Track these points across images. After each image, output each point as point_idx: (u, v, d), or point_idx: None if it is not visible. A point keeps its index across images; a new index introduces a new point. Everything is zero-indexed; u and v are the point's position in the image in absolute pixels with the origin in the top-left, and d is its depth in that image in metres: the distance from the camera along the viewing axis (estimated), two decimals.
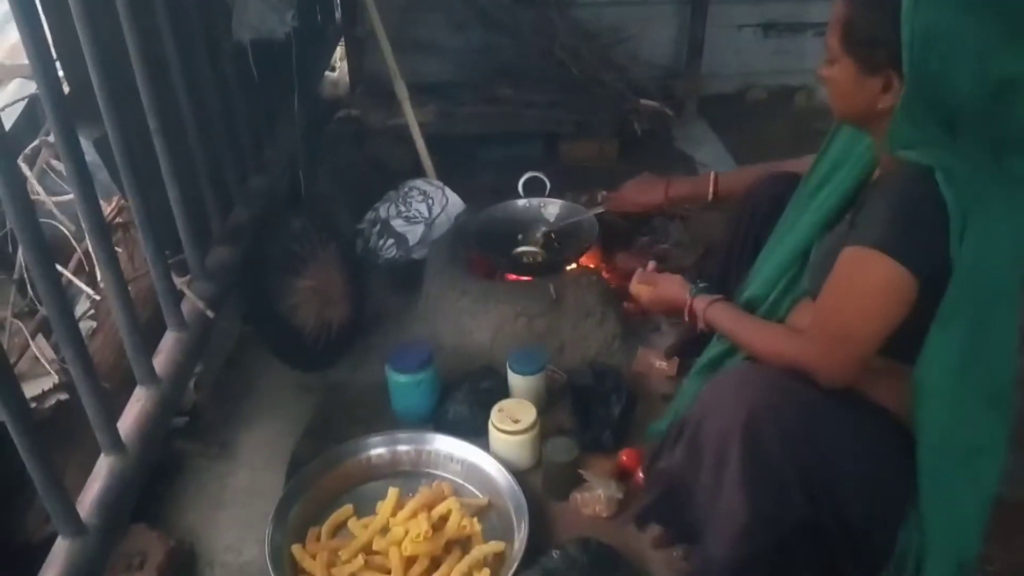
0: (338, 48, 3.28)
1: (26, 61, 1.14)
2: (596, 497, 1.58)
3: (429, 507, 1.52)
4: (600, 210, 2.13)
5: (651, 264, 1.71)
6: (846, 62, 1.21)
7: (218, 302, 1.59)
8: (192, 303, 1.52)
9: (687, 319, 1.51)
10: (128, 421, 1.29)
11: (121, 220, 1.63)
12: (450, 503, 1.52)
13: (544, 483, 1.66)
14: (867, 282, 1.16)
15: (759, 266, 1.48)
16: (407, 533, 1.45)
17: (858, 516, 1.19)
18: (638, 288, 1.65)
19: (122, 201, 1.57)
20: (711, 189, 1.82)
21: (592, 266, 2.21)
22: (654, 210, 2.00)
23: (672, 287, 1.56)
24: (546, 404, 1.83)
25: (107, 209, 1.61)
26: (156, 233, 1.38)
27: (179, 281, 1.53)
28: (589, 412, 1.76)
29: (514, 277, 2.12)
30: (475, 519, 1.52)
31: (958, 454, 1.19)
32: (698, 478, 1.23)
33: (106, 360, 1.51)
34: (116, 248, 1.46)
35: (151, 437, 1.29)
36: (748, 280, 1.50)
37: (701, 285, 1.51)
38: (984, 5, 1.10)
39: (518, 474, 1.63)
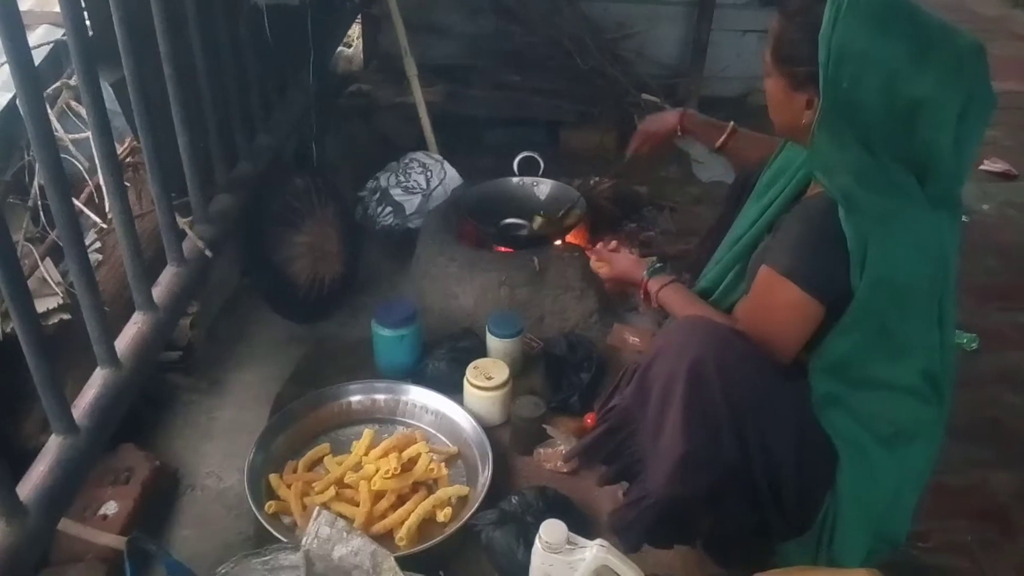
0: (356, 26, 3.39)
1: (53, 8, 1.24)
2: (558, 452, 1.67)
3: (400, 449, 1.62)
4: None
5: (612, 242, 1.76)
6: (776, 77, 1.31)
7: (217, 244, 1.69)
8: (192, 242, 1.62)
9: (641, 297, 1.60)
10: (125, 340, 1.39)
11: (132, 160, 1.73)
12: (419, 447, 1.62)
13: (511, 437, 1.75)
14: (778, 304, 1.28)
15: (716, 254, 1.57)
16: (378, 471, 1.55)
17: (787, 475, 1.26)
18: (596, 265, 1.74)
19: (134, 143, 1.68)
20: (723, 138, 1.81)
21: (579, 245, 2.30)
22: (669, 137, 1.93)
23: (627, 265, 1.64)
24: (521, 368, 1.93)
25: (120, 149, 1.71)
26: (163, 173, 1.48)
27: (182, 221, 1.64)
28: (561, 378, 1.86)
29: (503, 249, 2.22)
30: (443, 464, 1.62)
31: (880, 436, 1.29)
32: (644, 415, 1.30)
33: (109, 290, 1.61)
34: (125, 184, 1.58)
35: (144, 357, 1.39)
36: (705, 270, 1.59)
37: (656, 266, 1.59)
38: (895, 28, 1.18)
39: (488, 428, 1.72)
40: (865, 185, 1.20)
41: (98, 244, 1.70)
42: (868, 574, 1.27)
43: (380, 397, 1.78)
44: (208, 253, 1.62)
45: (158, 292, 1.50)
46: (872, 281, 1.20)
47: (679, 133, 1.92)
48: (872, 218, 1.19)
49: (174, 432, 1.73)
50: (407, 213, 2.39)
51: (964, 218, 2.67)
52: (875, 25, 1.17)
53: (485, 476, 1.58)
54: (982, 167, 3.15)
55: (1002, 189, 3.06)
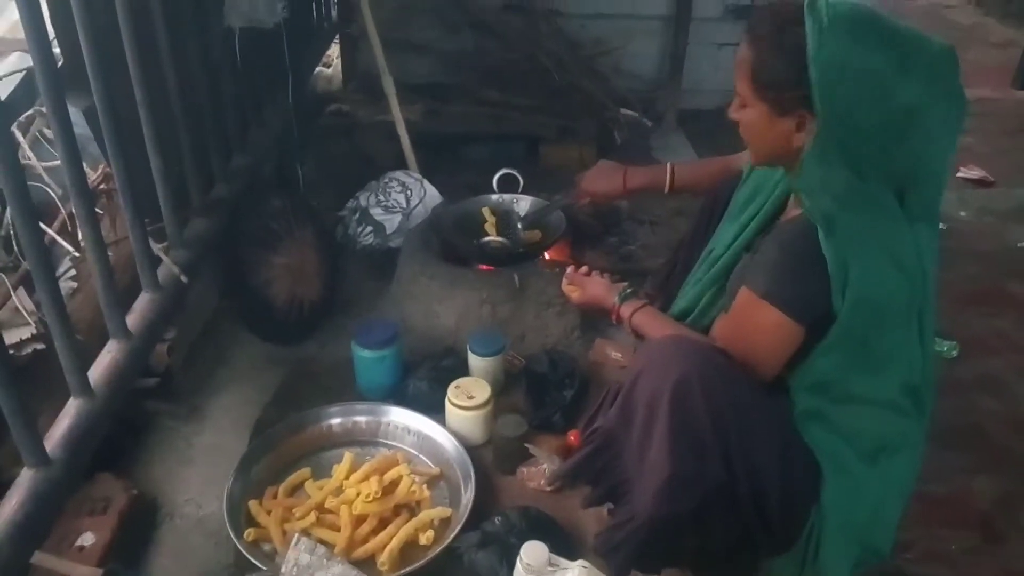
0: (334, 46, 3.39)
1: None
2: (541, 471, 1.66)
3: (381, 472, 1.60)
4: (564, 202, 2.16)
5: (583, 268, 1.75)
6: (758, 105, 1.28)
7: (193, 269, 1.68)
8: (168, 268, 1.61)
9: (614, 322, 1.60)
10: (99, 369, 1.38)
11: (106, 187, 1.72)
12: (400, 469, 1.61)
13: (494, 457, 1.74)
14: (758, 326, 1.28)
15: (693, 276, 1.57)
16: (359, 495, 1.54)
17: (772, 491, 1.26)
18: (567, 289, 1.74)
19: (107, 169, 1.67)
20: (668, 180, 1.83)
21: (559, 260, 2.30)
22: (616, 199, 1.98)
23: (599, 291, 1.64)
24: (503, 386, 1.92)
25: (93, 176, 1.70)
26: (136, 199, 1.47)
27: (156, 246, 1.62)
28: (543, 395, 1.85)
29: (485, 267, 2.21)
30: (425, 486, 1.61)
31: (862, 451, 1.29)
32: (629, 436, 1.29)
33: (85, 318, 1.60)
34: (99, 212, 1.57)
35: (119, 385, 1.38)
36: (684, 288, 1.59)
37: (628, 291, 1.59)
38: (875, 38, 1.18)
39: (470, 448, 1.71)
40: (844, 205, 1.20)
41: (73, 272, 1.69)
42: None
43: (361, 419, 1.77)
44: (183, 279, 1.61)
45: (132, 319, 1.48)
46: (853, 302, 1.20)
47: (624, 195, 1.93)
48: (851, 239, 1.19)
49: (153, 459, 1.71)
50: (387, 232, 2.38)
51: (942, 226, 2.72)
52: (858, 37, 1.18)
53: (467, 497, 1.57)
54: (959, 174, 3.19)
55: (979, 196, 3.09)
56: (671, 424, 1.20)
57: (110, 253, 1.62)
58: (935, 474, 1.70)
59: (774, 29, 1.24)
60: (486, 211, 2.31)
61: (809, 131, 1.23)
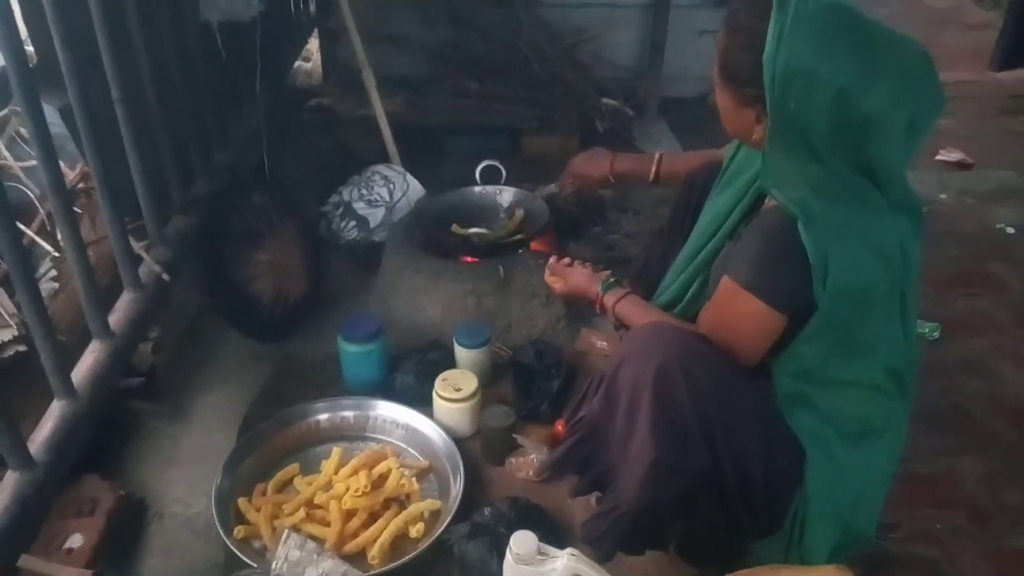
0: (314, 40, 3.37)
1: None
2: (530, 461, 1.67)
3: (370, 466, 1.60)
4: (553, 190, 2.18)
5: (565, 258, 1.76)
6: (724, 92, 1.30)
7: (174, 267, 1.67)
8: (149, 266, 1.60)
9: (598, 311, 1.61)
10: (81, 370, 1.37)
11: (84, 186, 1.70)
12: (389, 463, 1.61)
13: (482, 448, 1.74)
14: (740, 315, 1.28)
15: (676, 266, 1.58)
16: (348, 489, 1.54)
17: (756, 475, 1.27)
18: (550, 280, 1.74)
19: (85, 168, 1.65)
20: (654, 169, 1.86)
21: (543, 251, 2.30)
22: (602, 183, 2.01)
23: (581, 281, 1.65)
24: (490, 378, 1.92)
25: (72, 175, 1.68)
26: (115, 197, 1.46)
27: (137, 245, 1.61)
28: (530, 386, 1.86)
29: (469, 259, 2.21)
30: (414, 479, 1.61)
31: (845, 433, 1.30)
32: (613, 424, 1.30)
33: (67, 318, 1.58)
34: (78, 211, 1.55)
35: (102, 386, 1.37)
36: (667, 279, 1.59)
37: (611, 280, 1.59)
38: (841, 45, 1.16)
39: (459, 440, 1.71)
40: (822, 195, 1.20)
41: (54, 272, 1.67)
42: (836, 570, 1.28)
43: (349, 414, 1.77)
44: (165, 277, 1.60)
45: (115, 319, 1.47)
46: (835, 291, 1.20)
47: (611, 180, 1.96)
48: (831, 229, 1.19)
49: (139, 459, 1.70)
50: (371, 226, 2.37)
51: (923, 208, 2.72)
52: (820, 42, 1.16)
53: (457, 489, 1.57)
54: (938, 157, 3.21)
55: (958, 178, 3.11)
56: (654, 411, 1.21)
57: (91, 252, 1.61)
58: (920, 455, 1.72)
59: (747, 23, 1.24)
60: (456, 228, 2.28)
61: (764, 126, 1.24)
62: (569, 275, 1.69)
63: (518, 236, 2.21)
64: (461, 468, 1.60)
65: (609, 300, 1.56)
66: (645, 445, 1.21)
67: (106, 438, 1.69)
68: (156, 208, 1.65)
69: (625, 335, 1.39)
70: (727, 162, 1.55)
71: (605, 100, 3.07)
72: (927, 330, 2.17)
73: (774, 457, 1.29)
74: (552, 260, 1.77)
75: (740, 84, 1.26)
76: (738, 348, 1.30)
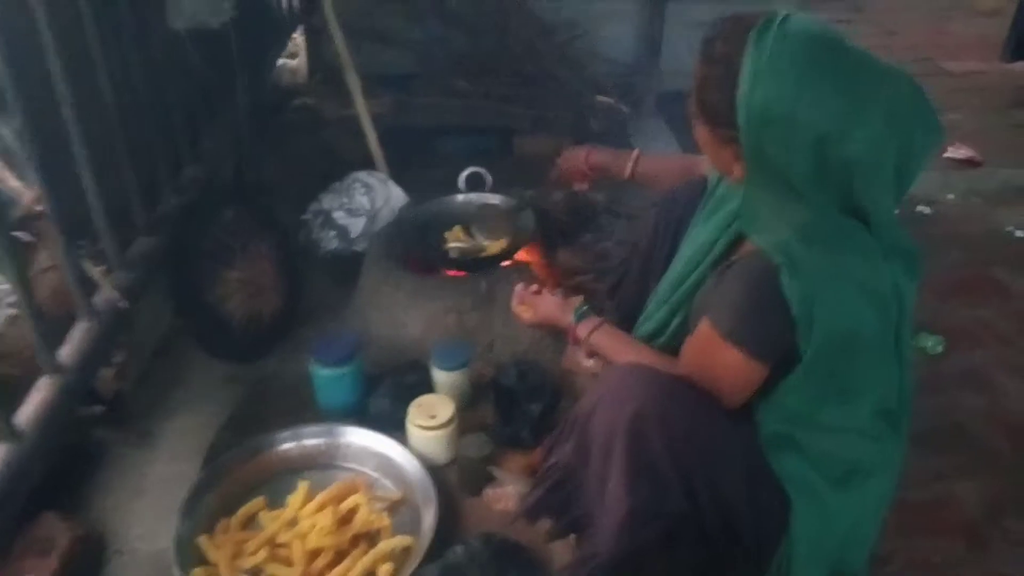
0: (300, 37, 3.28)
1: None
2: (507, 493, 1.60)
3: (338, 500, 1.53)
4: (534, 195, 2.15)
5: (533, 286, 1.68)
6: (701, 127, 1.22)
7: (136, 291, 1.60)
8: (107, 292, 1.53)
9: (571, 343, 1.53)
10: (28, 409, 1.30)
11: (43, 208, 1.63)
12: (358, 497, 1.54)
13: (459, 478, 1.67)
14: (720, 364, 1.21)
15: (659, 295, 1.50)
16: (314, 526, 1.47)
17: (740, 521, 1.21)
18: (519, 310, 1.67)
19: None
20: (630, 166, 1.80)
21: (530, 262, 2.22)
22: (579, 176, 1.96)
23: (551, 310, 1.58)
24: (471, 399, 1.85)
25: (29, 196, 1.61)
26: (67, 220, 1.38)
27: (95, 270, 1.54)
28: (511, 409, 1.78)
29: (453, 273, 2.13)
30: (386, 513, 1.54)
31: (832, 477, 1.23)
32: (587, 469, 1.25)
33: (28, 348, 1.51)
34: (32, 238, 1.48)
35: (50, 425, 1.30)
36: (650, 308, 1.51)
37: (583, 309, 1.52)
38: (822, 85, 1.07)
39: (435, 469, 1.65)
40: (808, 240, 1.11)
41: (12, 298, 1.60)
42: None
43: (319, 441, 1.70)
44: (122, 304, 1.52)
45: (66, 351, 1.40)
46: (822, 339, 1.12)
47: (587, 171, 1.91)
48: (817, 275, 1.11)
49: (103, 491, 1.63)
50: (352, 236, 2.30)
51: (927, 210, 2.65)
52: (800, 84, 1.07)
53: (428, 524, 1.50)
54: (946, 155, 3.10)
55: (965, 177, 3.01)
56: (628, 459, 1.15)
57: (53, 276, 1.54)
58: (915, 480, 1.64)
59: (724, 54, 1.14)
60: (456, 229, 2.21)
61: (743, 168, 1.16)
62: (539, 304, 1.61)
63: (500, 251, 2.12)
64: (435, 501, 1.53)
65: (582, 330, 1.49)
66: (620, 495, 1.16)
67: (70, 469, 1.63)
68: (117, 230, 1.58)
69: (599, 376, 1.32)
70: (712, 186, 1.47)
71: (599, 97, 2.98)
72: (930, 344, 2.08)
73: (759, 501, 1.22)
74: (519, 288, 1.69)
75: (716, 123, 1.18)
76: (719, 393, 1.24)
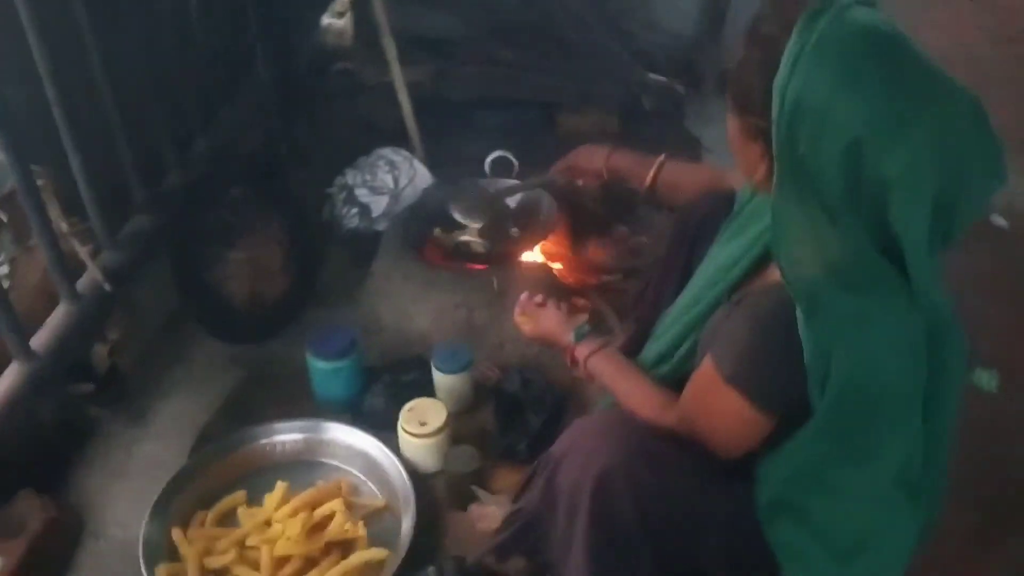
0: None
1: None
2: (490, 513, 1.51)
3: (313, 506, 1.48)
4: (537, 182, 1.98)
5: (538, 296, 1.56)
6: (732, 116, 1.08)
7: (126, 274, 1.55)
8: (91, 274, 1.49)
9: (569, 364, 1.42)
10: None
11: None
12: (334, 504, 1.48)
13: (446, 490, 1.60)
14: (719, 410, 1.09)
15: (673, 313, 1.36)
16: (283, 532, 1.42)
17: None
18: (520, 320, 1.55)
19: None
20: (652, 173, 1.62)
21: (553, 255, 2.10)
22: (595, 177, 1.78)
23: (553, 327, 1.46)
24: (472, 403, 1.76)
25: None
26: (36, 201, 1.33)
27: (83, 250, 1.50)
28: (512, 418, 1.69)
29: (472, 265, 2.02)
30: (361, 523, 1.48)
31: (835, 549, 1.10)
32: (554, 521, 1.16)
33: None
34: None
35: (13, 415, 1.27)
36: (663, 326, 1.38)
37: (585, 329, 1.41)
38: (867, 84, 0.92)
39: (424, 477, 1.58)
40: (837, 279, 0.97)
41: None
42: None
43: (306, 437, 1.64)
44: (106, 287, 1.48)
45: (42, 336, 1.37)
46: (838, 391, 0.99)
47: (604, 175, 1.72)
48: (840, 322, 0.97)
49: (88, 469, 1.62)
50: (373, 215, 2.21)
51: (1003, 223, 2.38)
52: (843, 76, 0.92)
53: (404, 537, 1.44)
54: None
55: None
56: (591, 524, 1.05)
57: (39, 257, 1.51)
58: (952, 537, 1.47)
59: (769, 36, 0.99)
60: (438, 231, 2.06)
61: (769, 168, 1.01)
62: (541, 317, 1.50)
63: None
64: (413, 514, 1.46)
65: (581, 352, 1.38)
66: (581, 560, 1.07)
67: (58, 445, 1.62)
68: (108, 208, 1.53)
69: (571, 425, 1.21)
70: (741, 203, 1.31)
71: (652, 76, 2.78)
72: (984, 380, 1.87)
73: (747, 566, 1.10)
74: (523, 297, 1.57)
75: (747, 112, 1.04)
76: (714, 442, 1.12)
